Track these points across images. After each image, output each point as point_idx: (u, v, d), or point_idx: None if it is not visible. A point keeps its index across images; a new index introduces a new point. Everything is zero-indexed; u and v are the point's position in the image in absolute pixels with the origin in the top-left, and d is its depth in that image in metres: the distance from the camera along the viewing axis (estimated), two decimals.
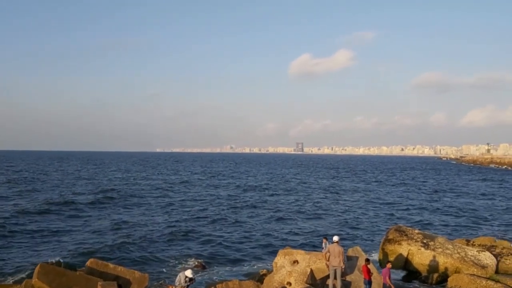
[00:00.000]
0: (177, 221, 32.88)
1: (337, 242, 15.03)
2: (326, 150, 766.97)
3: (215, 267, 21.12)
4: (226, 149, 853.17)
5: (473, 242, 20.25)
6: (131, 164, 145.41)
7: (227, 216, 35.62)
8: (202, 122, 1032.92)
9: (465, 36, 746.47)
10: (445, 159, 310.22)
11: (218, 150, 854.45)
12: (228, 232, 29.37)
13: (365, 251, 20.19)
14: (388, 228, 20.89)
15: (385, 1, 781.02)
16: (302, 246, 24.43)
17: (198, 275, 18.92)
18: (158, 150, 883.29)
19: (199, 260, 21.83)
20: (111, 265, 15.16)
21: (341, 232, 29.21)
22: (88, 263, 15.14)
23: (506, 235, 28.73)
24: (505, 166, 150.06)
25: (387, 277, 13.98)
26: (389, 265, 14.43)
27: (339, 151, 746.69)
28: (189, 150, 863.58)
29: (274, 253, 18.22)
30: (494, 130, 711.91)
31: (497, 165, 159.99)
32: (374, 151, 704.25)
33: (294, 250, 17.79)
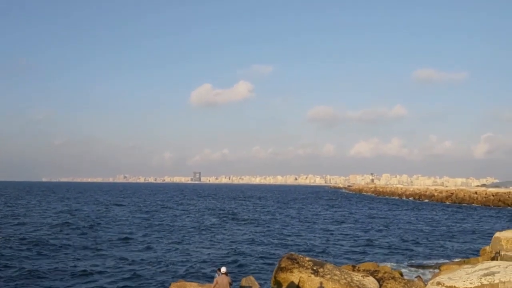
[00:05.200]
0: (79, 257, 30.59)
1: (225, 273, 15.03)
2: (223, 180, 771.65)
3: None
4: (119, 179, 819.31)
5: (358, 267, 21.43)
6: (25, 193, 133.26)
7: (135, 242, 34.03)
8: (93, 150, 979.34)
9: (351, 75, 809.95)
10: (334, 188, 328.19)
11: (110, 180, 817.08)
12: (130, 260, 28.01)
13: (259, 280, 20.38)
14: (281, 256, 21.31)
15: (283, 36, 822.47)
16: (197, 278, 23.98)
17: None
18: (44, 179, 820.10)
19: None
20: None
21: (236, 262, 29.22)
22: None
23: (387, 260, 30.88)
24: (387, 196, 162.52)
25: None
26: None
27: (236, 180, 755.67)
28: (79, 180, 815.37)
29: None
30: (377, 161, 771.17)
31: (379, 194, 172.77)
32: (270, 180, 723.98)
33: (187, 283, 17.43)
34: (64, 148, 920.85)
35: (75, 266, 27.49)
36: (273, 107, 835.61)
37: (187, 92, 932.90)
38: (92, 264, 28.22)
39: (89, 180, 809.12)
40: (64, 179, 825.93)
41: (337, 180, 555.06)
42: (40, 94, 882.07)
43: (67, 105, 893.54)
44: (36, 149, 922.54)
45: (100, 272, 26.04)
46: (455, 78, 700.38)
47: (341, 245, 38.28)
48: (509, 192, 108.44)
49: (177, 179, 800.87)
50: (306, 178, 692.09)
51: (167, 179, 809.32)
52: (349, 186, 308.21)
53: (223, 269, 15.23)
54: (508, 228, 31.38)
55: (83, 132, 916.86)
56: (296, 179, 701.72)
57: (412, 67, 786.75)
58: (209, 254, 32.60)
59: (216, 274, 16.91)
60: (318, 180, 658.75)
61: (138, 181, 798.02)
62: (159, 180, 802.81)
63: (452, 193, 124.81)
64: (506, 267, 14.86)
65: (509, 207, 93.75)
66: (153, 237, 40.81)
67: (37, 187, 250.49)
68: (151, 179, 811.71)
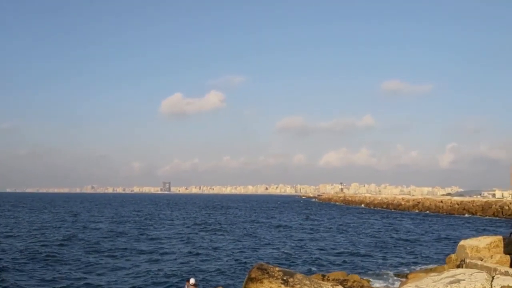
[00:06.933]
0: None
1: (194, 284, 14.89)
2: (194, 190, 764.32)
3: None
4: (87, 189, 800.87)
5: (328, 276, 21.57)
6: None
7: (106, 253, 33.23)
8: (60, 160, 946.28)
9: (322, 85, 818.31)
10: (306, 197, 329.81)
11: (77, 190, 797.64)
12: (98, 272, 27.35)
13: None
14: (251, 266, 21.24)
15: (255, 48, 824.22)
16: None
17: None
18: (8, 190, 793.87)
19: None
20: None
21: (206, 273, 28.95)
22: None
23: (356, 269, 31.20)
24: (356, 205, 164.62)
25: None
26: None
27: (207, 190, 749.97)
28: (44, 190, 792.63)
29: None
30: (346, 170, 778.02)
31: (349, 203, 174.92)
32: (240, 190, 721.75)
33: None
34: (29, 158, 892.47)
35: (42, 279, 26.73)
36: (244, 117, 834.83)
37: (158, 101, 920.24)
38: (60, 277, 27.48)
39: (56, 190, 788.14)
40: (29, 190, 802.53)
41: (307, 190, 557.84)
42: (5, 103, 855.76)
43: (33, 114, 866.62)
44: (0, 159, 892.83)
45: (68, 285, 25.40)
46: (421, 90, 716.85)
47: (312, 254, 38.44)
48: (473, 200, 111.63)
49: (146, 189, 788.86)
50: (277, 187, 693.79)
51: (136, 189, 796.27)
52: (319, 195, 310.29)
53: (192, 281, 15.09)
54: (473, 236, 32.20)
55: (49, 142, 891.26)
56: (266, 188, 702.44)
57: (381, 79, 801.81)
58: (179, 264, 32.21)
59: (185, 286, 16.75)
60: (288, 190, 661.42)
61: (106, 191, 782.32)
62: (127, 191, 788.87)
63: (419, 202, 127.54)
64: (471, 274, 15.21)
65: (473, 216, 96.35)
66: (124, 249, 40.00)
67: (2, 198, 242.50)
68: (119, 190, 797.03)
